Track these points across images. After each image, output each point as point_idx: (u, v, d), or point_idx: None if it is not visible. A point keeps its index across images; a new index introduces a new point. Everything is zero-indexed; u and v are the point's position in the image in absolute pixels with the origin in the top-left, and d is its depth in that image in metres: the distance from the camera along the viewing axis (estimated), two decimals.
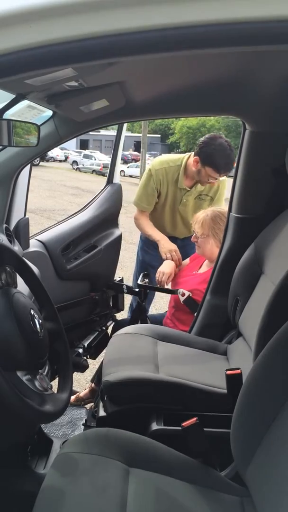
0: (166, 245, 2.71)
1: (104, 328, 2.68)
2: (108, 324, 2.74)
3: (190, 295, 2.30)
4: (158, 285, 2.59)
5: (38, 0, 0.72)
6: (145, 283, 2.57)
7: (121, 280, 2.82)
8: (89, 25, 0.71)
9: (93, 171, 27.84)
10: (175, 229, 2.97)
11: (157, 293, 3.26)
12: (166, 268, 2.59)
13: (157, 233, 2.83)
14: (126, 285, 2.75)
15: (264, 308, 1.57)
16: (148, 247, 3.03)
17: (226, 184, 2.85)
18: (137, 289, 2.64)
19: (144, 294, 2.57)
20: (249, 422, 1.14)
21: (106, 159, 26.56)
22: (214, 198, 2.88)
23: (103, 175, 27.01)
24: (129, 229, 3.93)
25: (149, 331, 2.04)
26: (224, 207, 2.55)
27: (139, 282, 2.58)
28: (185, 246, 2.96)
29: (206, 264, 2.43)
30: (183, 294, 2.31)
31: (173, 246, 2.70)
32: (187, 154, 2.81)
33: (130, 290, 2.73)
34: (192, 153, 2.77)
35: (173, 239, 2.93)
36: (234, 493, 1.18)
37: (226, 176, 2.72)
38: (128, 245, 3.09)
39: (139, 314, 2.56)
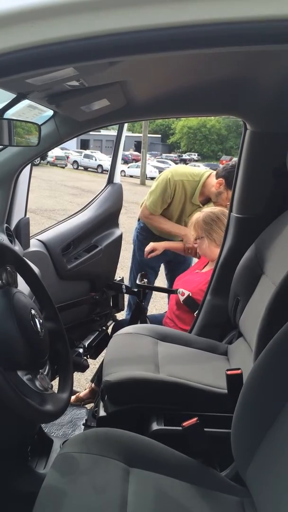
0: (191, 241, 2.70)
1: (104, 328, 2.68)
2: (108, 324, 2.74)
3: (190, 294, 2.30)
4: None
5: None
6: (143, 283, 2.57)
7: (121, 280, 2.83)
8: (91, 24, 0.71)
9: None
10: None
11: (157, 293, 3.26)
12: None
13: (180, 228, 2.85)
14: (125, 285, 2.75)
15: (264, 308, 1.57)
16: (145, 247, 3.03)
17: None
18: (135, 289, 2.64)
19: (143, 294, 2.57)
20: (250, 422, 1.14)
21: (107, 159, 26.58)
22: None
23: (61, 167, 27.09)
24: (130, 229, 3.93)
25: (149, 331, 2.04)
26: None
27: (137, 282, 2.58)
28: None
29: (209, 264, 2.44)
30: (182, 294, 2.31)
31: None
32: (207, 171, 2.83)
33: (129, 290, 2.73)
34: (212, 172, 2.79)
35: (170, 240, 2.97)
36: (234, 494, 1.17)
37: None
38: (128, 245, 3.08)
39: (139, 314, 2.56)
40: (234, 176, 2.16)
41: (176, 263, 3.13)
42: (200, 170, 2.89)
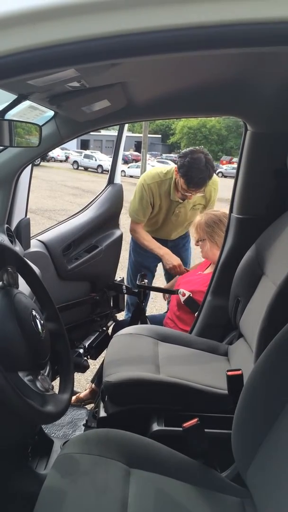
0: (170, 260, 2.76)
1: (104, 328, 2.68)
2: (108, 324, 2.74)
3: (191, 295, 2.30)
4: (176, 276, 2.66)
5: (42, 0, 0.72)
6: (143, 283, 2.58)
7: (122, 281, 2.83)
8: (93, 26, 0.71)
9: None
10: (166, 234, 3.02)
11: (157, 293, 3.26)
12: (174, 260, 2.69)
13: (159, 248, 2.85)
14: (126, 286, 2.76)
15: (265, 309, 1.57)
16: (140, 247, 3.05)
17: (217, 193, 2.88)
18: (136, 290, 2.65)
19: (143, 295, 2.57)
20: (250, 423, 1.14)
21: (107, 159, 26.60)
22: (207, 205, 2.93)
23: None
24: None
25: (149, 332, 2.04)
26: (221, 205, 2.58)
27: (137, 283, 2.59)
28: (176, 246, 3.02)
29: (211, 265, 2.44)
30: (183, 294, 2.31)
31: (177, 261, 2.75)
32: (175, 166, 2.81)
33: (129, 291, 2.73)
34: None
35: (163, 241, 2.99)
36: (234, 494, 1.17)
37: (199, 193, 2.71)
38: (128, 245, 3.09)
39: (139, 315, 2.56)
40: (235, 176, 2.16)
41: None
42: (170, 167, 2.88)
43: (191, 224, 2.49)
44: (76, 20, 0.72)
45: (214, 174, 2.81)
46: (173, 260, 2.75)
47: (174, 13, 0.70)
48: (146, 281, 2.61)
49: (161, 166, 3.24)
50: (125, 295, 2.88)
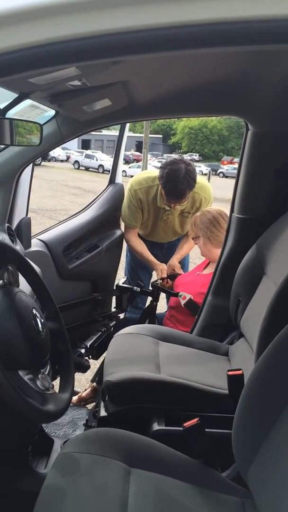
0: (159, 267, 2.75)
1: (106, 328, 2.68)
2: (111, 324, 2.74)
3: (192, 298, 2.30)
4: (163, 281, 2.64)
5: None
6: (157, 284, 2.58)
7: (125, 282, 2.81)
8: (94, 24, 0.71)
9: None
10: (159, 238, 2.97)
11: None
12: (163, 273, 2.67)
13: (150, 257, 2.82)
14: (140, 284, 2.67)
15: (266, 309, 1.57)
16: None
17: (209, 202, 2.79)
18: (150, 290, 2.66)
19: (156, 295, 2.57)
20: (251, 423, 1.13)
21: (108, 159, 26.61)
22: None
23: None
24: None
25: (150, 331, 2.04)
26: (221, 205, 2.57)
27: (152, 282, 2.59)
28: (172, 247, 3.00)
29: (210, 265, 2.44)
30: (184, 298, 2.31)
31: (163, 266, 2.75)
32: None
33: (143, 291, 2.69)
34: None
35: (159, 244, 2.98)
36: (235, 494, 1.17)
37: (182, 203, 2.63)
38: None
39: (149, 314, 2.56)
40: (236, 176, 2.16)
41: None
42: (156, 173, 2.73)
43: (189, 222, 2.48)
44: (77, 18, 0.71)
45: (207, 182, 2.78)
46: (161, 266, 2.73)
47: (174, 11, 0.70)
48: (160, 281, 2.62)
49: (154, 170, 3.16)
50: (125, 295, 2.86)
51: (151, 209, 2.77)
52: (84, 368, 2.34)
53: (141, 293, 2.70)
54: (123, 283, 2.71)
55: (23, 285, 1.28)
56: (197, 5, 0.70)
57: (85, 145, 44.50)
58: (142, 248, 2.85)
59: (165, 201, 2.63)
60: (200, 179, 2.72)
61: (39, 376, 1.12)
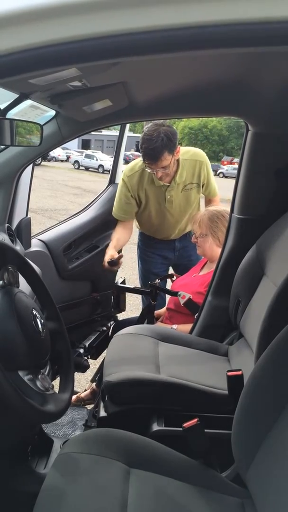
0: (108, 251, 2.53)
1: (105, 328, 2.68)
2: (109, 324, 2.74)
3: (191, 297, 2.30)
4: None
5: None
6: (155, 283, 2.57)
7: (123, 282, 2.81)
8: (95, 25, 0.71)
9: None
10: (168, 231, 2.82)
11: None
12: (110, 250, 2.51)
13: (113, 243, 2.60)
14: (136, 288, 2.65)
15: (265, 309, 1.57)
16: (146, 254, 2.94)
17: (208, 167, 2.67)
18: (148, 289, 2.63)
19: (155, 294, 2.56)
20: (250, 423, 1.13)
21: (108, 159, 26.59)
22: (201, 183, 2.69)
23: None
24: None
25: (150, 332, 2.04)
26: (221, 205, 2.55)
27: (150, 282, 2.56)
28: (185, 247, 2.90)
29: (207, 266, 2.43)
30: (183, 297, 2.31)
31: (112, 252, 2.53)
32: None
33: (140, 290, 2.68)
34: None
35: (171, 242, 2.86)
36: (234, 495, 1.17)
37: (161, 168, 2.46)
38: (129, 245, 3.06)
39: (147, 314, 2.56)
40: (236, 177, 2.16)
41: (183, 266, 2.93)
42: None
43: (192, 220, 2.39)
44: (77, 19, 0.71)
45: (199, 149, 2.65)
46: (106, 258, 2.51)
47: (175, 12, 0.70)
48: (158, 281, 2.57)
49: None
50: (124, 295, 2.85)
51: (150, 192, 2.63)
52: (84, 368, 2.34)
53: (140, 293, 2.70)
54: (121, 283, 2.70)
55: (23, 285, 1.28)
56: (196, 7, 0.70)
57: (85, 145, 44.49)
58: (114, 235, 2.64)
59: (146, 166, 2.48)
60: (191, 147, 2.65)
61: (39, 376, 1.12)
